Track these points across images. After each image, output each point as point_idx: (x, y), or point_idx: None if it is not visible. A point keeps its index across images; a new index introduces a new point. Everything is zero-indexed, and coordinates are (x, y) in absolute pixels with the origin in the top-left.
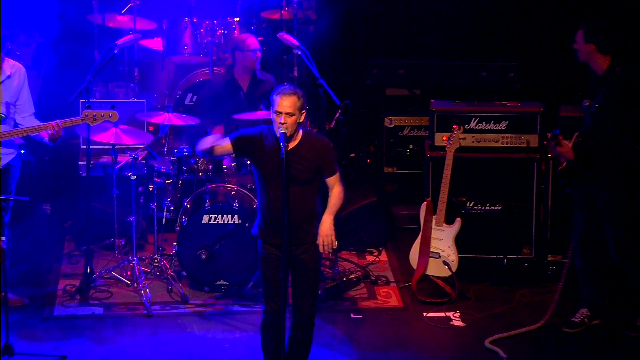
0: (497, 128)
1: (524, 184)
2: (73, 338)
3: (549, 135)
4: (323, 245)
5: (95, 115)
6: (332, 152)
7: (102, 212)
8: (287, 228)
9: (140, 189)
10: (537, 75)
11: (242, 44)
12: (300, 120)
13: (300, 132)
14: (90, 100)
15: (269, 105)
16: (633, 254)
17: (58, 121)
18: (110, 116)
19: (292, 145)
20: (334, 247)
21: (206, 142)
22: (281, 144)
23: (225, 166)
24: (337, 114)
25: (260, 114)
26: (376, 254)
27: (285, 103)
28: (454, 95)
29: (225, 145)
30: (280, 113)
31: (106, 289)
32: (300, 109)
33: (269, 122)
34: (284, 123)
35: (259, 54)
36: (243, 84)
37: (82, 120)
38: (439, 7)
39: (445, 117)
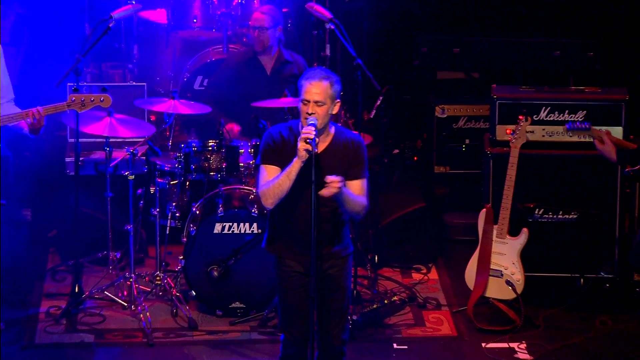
0: (572, 119)
1: (605, 187)
2: None
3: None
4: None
5: (84, 100)
6: (365, 154)
7: (93, 219)
8: (316, 240)
9: (139, 191)
10: (622, 55)
11: (249, 17)
12: (333, 112)
13: (333, 129)
14: (80, 83)
15: (296, 91)
16: None
17: (39, 108)
18: (102, 101)
19: (322, 146)
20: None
21: (269, 191)
22: (312, 135)
23: (242, 164)
24: (378, 102)
25: (284, 101)
26: (424, 271)
27: (315, 90)
28: (520, 79)
29: (272, 174)
30: (308, 102)
31: (98, 312)
32: (333, 99)
33: (295, 111)
34: (312, 114)
35: (256, 33)
36: (266, 65)
37: (68, 106)
38: None
39: (509, 106)
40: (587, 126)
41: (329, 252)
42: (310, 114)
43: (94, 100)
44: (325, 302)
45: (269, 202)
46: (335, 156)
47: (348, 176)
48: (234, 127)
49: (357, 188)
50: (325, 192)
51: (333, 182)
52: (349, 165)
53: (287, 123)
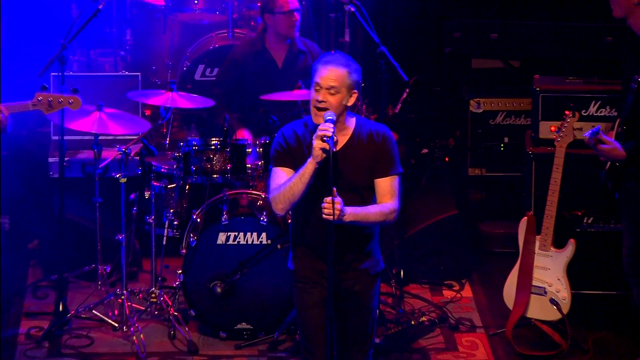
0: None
1: None
2: None
3: (587, 137)
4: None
5: (52, 100)
6: (394, 146)
7: (80, 228)
8: (337, 250)
9: (132, 196)
10: None
11: (272, 3)
12: (348, 104)
13: (353, 121)
14: (65, 73)
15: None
16: None
17: (1, 106)
18: (70, 103)
19: (341, 141)
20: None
21: (279, 196)
22: (330, 133)
23: (249, 165)
24: (404, 95)
25: (297, 94)
26: (457, 288)
27: (330, 75)
28: (567, 69)
29: (285, 177)
30: (320, 87)
31: (85, 333)
32: (350, 89)
33: (307, 106)
34: (322, 101)
35: (297, 16)
36: (277, 57)
37: (34, 105)
38: None
39: (554, 100)
40: (598, 128)
41: (356, 269)
42: (320, 102)
43: (62, 101)
44: (347, 322)
45: (280, 207)
46: (356, 152)
47: (375, 174)
48: (244, 134)
49: (385, 187)
50: (325, 216)
51: (326, 208)
52: (375, 161)
53: (302, 119)
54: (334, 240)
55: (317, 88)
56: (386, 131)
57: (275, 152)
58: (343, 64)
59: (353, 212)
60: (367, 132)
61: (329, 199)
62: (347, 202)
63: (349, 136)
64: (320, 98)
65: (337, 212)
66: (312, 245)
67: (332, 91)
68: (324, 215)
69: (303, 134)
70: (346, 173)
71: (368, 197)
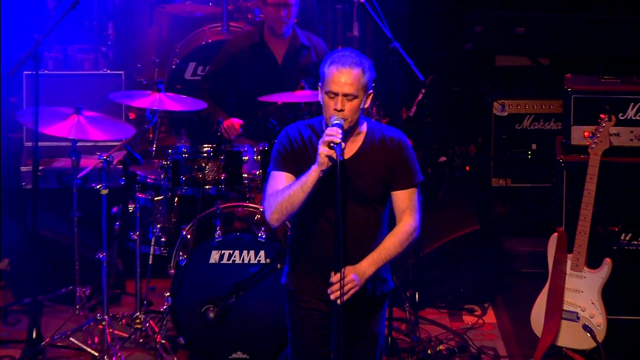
0: None
1: None
2: None
3: None
4: (333, 291)
5: None
6: (412, 153)
7: (55, 245)
8: (342, 268)
9: (114, 209)
10: None
11: None
12: (365, 106)
13: (364, 126)
14: (40, 71)
15: (316, 83)
16: None
17: None
18: None
19: (351, 149)
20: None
21: (276, 204)
22: (338, 139)
23: (246, 175)
24: (420, 96)
25: (300, 95)
26: (479, 313)
27: (345, 79)
28: (602, 67)
29: (286, 183)
30: (336, 95)
31: None
32: (366, 89)
33: (315, 108)
34: (341, 110)
35: (282, 11)
36: (277, 51)
37: None
38: None
39: (587, 101)
40: None
41: (360, 288)
42: (339, 110)
43: None
44: (353, 350)
45: (275, 217)
46: (368, 161)
47: (392, 186)
48: (234, 122)
49: (404, 201)
50: (333, 298)
51: (334, 288)
52: (390, 171)
53: (308, 121)
54: (342, 260)
55: (332, 95)
56: (401, 137)
57: (277, 153)
58: (356, 64)
59: (372, 263)
60: (380, 138)
61: (335, 279)
62: (357, 216)
63: (361, 142)
64: (338, 107)
65: (351, 287)
66: (314, 263)
67: (349, 97)
68: (331, 297)
69: (309, 136)
70: (357, 184)
71: (380, 209)
